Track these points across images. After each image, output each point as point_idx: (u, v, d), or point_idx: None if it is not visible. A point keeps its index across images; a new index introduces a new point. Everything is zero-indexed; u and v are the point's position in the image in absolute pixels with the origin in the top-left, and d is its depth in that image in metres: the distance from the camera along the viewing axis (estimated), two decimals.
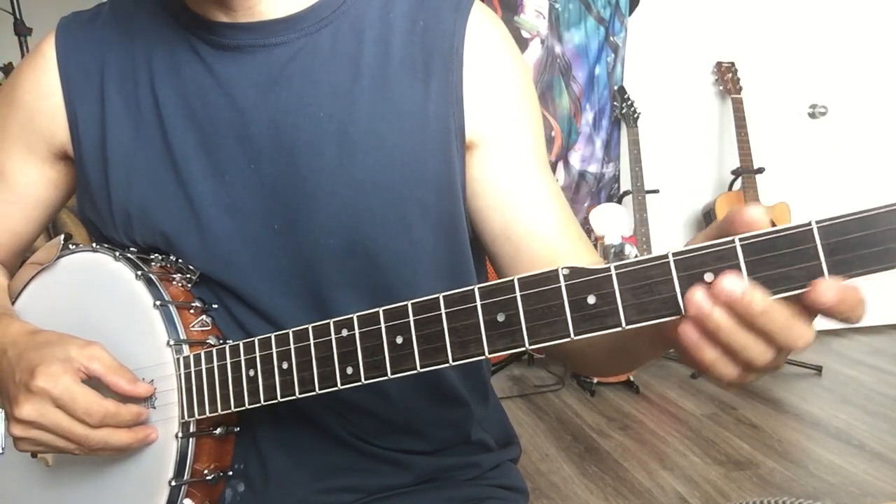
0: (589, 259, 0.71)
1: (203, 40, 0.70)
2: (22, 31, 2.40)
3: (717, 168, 3.37)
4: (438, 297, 0.53)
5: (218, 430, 0.68)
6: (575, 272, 0.48)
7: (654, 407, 2.70)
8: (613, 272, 0.46)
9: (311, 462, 0.73)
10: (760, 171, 3.04)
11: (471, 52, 0.70)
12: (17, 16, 2.39)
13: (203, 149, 0.69)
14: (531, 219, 0.71)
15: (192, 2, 0.70)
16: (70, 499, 0.72)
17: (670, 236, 3.32)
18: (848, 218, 0.40)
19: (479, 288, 0.51)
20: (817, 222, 0.41)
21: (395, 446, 0.74)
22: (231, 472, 0.71)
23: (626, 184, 3.15)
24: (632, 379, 2.85)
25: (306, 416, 0.72)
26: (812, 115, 3.36)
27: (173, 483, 0.65)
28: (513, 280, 0.50)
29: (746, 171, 3.03)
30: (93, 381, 0.65)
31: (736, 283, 0.42)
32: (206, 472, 0.68)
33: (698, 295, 0.43)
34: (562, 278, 0.48)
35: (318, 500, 0.72)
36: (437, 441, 0.77)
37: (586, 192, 3.19)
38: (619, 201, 3.23)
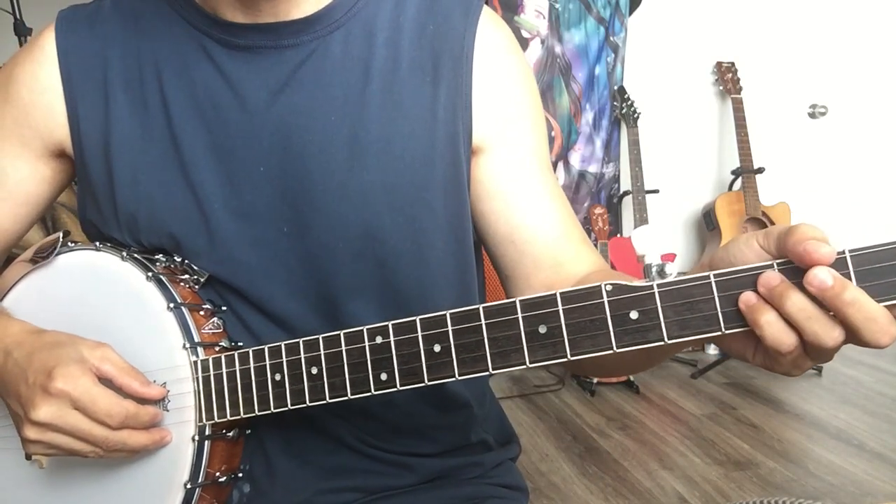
0: (591, 261, 0.72)
1: (214, 40, 0.69)
2: (22, 31, 2.39)
3: (717, 168, 3.37)
4: (478, 308, 0.54)
5: (231, 434, 0.68)
6: (618, 289, 0.50)
7: (654, 407, 2.70)
8: (656, 289, 0.48)
9: (315, 463, 0.73)
10: (760, 171, 3.04)
11: (480, 56, 0.70)
12: (17, 16, 2.39)
13: (212, 150, 0.68)
14: (535, 224, 0.71)
15: (206, 1, 0.69)
16: (73, 502, 0.71)
17: (670, 236, 3.32)
18: (878, 248, 0.44)
19: (520, 300, 0.53)
20: (850, 251, 0.44)
21: (399, 449, 0.75)
22: (241, 474, 0.71)
23: (626, 184, 3.15)
24: (632, 379, 2.85)
25: (311, 420, 0.72)
26: (812, 115, 3.37)
27: (188, 486, 0.64)
28: (555, 294, 0.51)
29: (746, 171, 3.03)
30: (104, 383, 0.64)
31: (826, 276, 0.44)
32: (217, 474, 0.67)
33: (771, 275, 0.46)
34: (605, 294, 0.50)
35: (322, 500, 0.72)
36: (440, 443, 0.77)
37: (586, 192, 3.19)
38: (619, 201, 3.23)
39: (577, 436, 2.47)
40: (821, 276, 0.43)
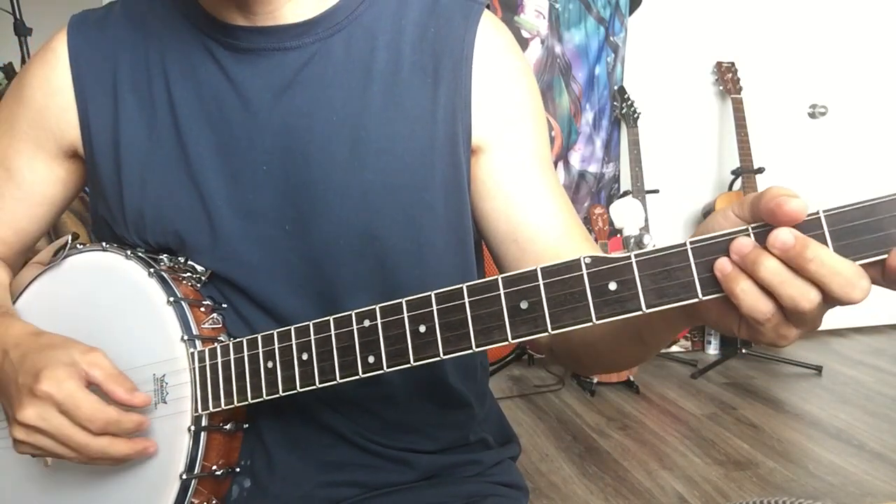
0: None
1: (218, 42, 0.70)
2: (22, 31, 2.40)
3: (717, 168, 3.37)
4: (462, 287, 0.54)
5: (228, 426, 0.68)
6: (597, 260, 0.50)
7: (654, 407, 2.70)
8: (633, 259, 0.49)
9: (315, 457, 0.73)
10: (760, 171, 3.04)
11: (480, 58, 0.71)
12: (17, 16, 2.39)
13: (217, 150, 0.70)
14: (537, 222, 0.72)
15: (209, 4, 0.70)
16: (72, 494, 0.72)
17: (670, 236, 3.32)
18: (851, 207, 0.44)
19: (502, 277, 0.53)
20: (824, 211, 0.44)
21: (399, 445, 0.75)
22: (238, 469, 0.71)
23: (626, 184, 3.15)
24: (632, 379, 2.85)
25: (311, 415, 0.72)
26: (812, 115, 3.37)
27: (184, 476, 0.65)
28: (535, 269, 0.52)
29: (746, 171, 3.03)
30: (95, 387, 0.65)
31: (788, 236, 0.44)
32: (214, 468, 0.68)
33: (743, 241, 0.45)
34: (584, 266, 0.50)
35: (322, 494, 0.73)
36: (440, 441, 0.77)
37: (586, 192, 3.19)
38: None
39: (577, 436, 2.47)
40: (782, 237, 0.44)
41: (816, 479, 2.08)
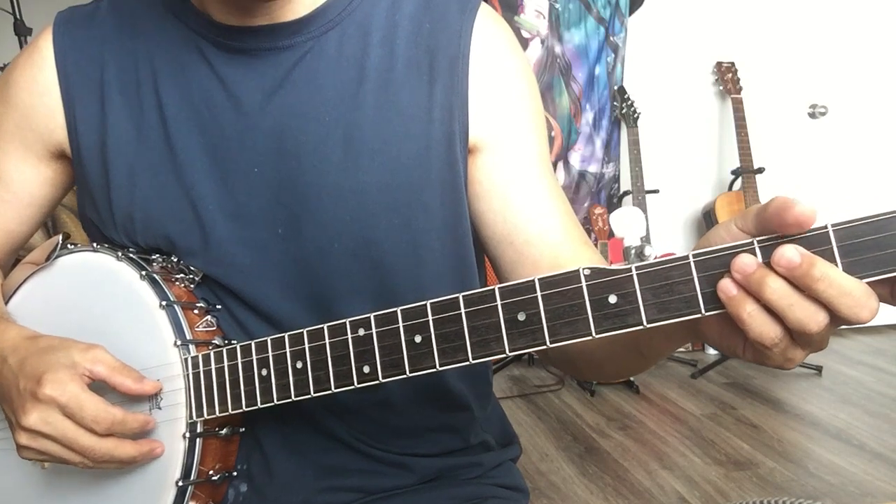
0: (592, 262, 0.71)
1: (210, 42, 0.69)
2: (22, 31, 2.40)
3: (717, 168, 3.37)
4: (458, 297, 0.53)
5: (223, 431, 0.68)
6: (596, 272, 0.49)
7: (654, 407, 2.70)
8: (634, 272, 0.47)
9: (314, 462, 0.73)
10: (760, 171, 3.04)
11: (476, 54, 0.69)
12: (17, 16, 2.40)
13: (207, 152, 0.68)
14: (534, 224, 0.70)
15: (201, 3, 0.69)
16: (69, 500, 0.71)
17: (670, 236, 3.32)
18: (861, 222, 0.41)
19: (499, 288, 0.52)
20: (833, 225, 0.42)
21: (398, 450, 0.74)
22: (235, 473, 0.71)
23: (626, 184, 3.15)
24: (632, 379, 2.85)
25: (309, 419, 0.72)
26: (812, 115, 3.37)
27: (180, 483, 0.64)
28: (533, 280, 0.50)
29: (746, 171, 3.03)
30: (97, 385, 0.64)
31: (793, 253, 0.42)
32: (211, 472, 0.67)
33: (746, 258, 0.43)
34: (583, 278, 0.49)
35: (320, 499, 0.72)
36: (440, 444, 0.77)
37: (586, 192, 3.19)
38: (619, 201, 3.23)
39: (577, 436, 2.47)
40: (787, 255, 0.42)
41: (816, 479, 2.08)
